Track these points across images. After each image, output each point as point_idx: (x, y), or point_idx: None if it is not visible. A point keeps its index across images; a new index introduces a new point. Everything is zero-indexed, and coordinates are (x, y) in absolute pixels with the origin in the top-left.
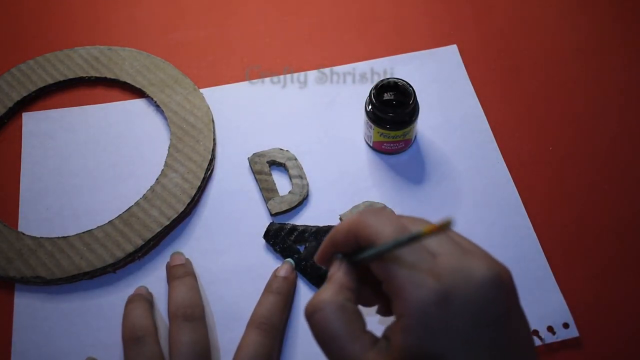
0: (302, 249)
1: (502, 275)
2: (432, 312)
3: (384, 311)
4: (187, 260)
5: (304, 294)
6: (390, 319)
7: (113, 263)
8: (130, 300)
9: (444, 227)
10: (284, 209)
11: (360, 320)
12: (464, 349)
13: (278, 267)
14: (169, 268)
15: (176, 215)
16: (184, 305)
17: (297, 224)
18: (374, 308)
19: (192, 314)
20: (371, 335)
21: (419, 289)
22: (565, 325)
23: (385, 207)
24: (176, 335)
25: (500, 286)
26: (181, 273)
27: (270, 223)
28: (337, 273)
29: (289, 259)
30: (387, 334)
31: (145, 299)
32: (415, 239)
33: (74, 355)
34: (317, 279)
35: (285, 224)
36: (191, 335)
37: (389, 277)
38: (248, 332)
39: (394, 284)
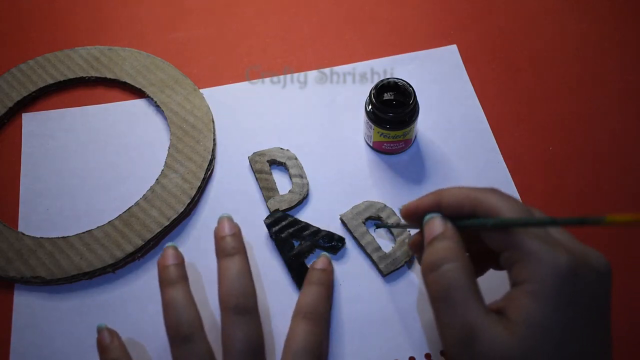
0: (297, 244)
1: (611, 273)
2: (564, 281)
3: None
4: (238, 230)
5: (285, 289)
6: None
7: (113, 263)
8: (168, 282)
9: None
10: (284, 207)
11: (477, 283)
12: (582, 321)
13: (314, 261)
14: (216, 240)
15: (176, 216)
16: (236, 294)
17: (300, 219)
18: None
19: (245, 305)
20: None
21: (554, 257)
22: None
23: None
24: (229, 330)
25: (610, 281)
26: (230, 249)
27: (275, 210)
28: (449, 232)
29: (325, 253)
30: (499, 306)
31: (182, 278)
32: (588, 223)
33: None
34: (299, 277)
35: (288, 215)
36: (245, 330)
37: (516, 244)
38: (295, 322)
39: (524, 250)
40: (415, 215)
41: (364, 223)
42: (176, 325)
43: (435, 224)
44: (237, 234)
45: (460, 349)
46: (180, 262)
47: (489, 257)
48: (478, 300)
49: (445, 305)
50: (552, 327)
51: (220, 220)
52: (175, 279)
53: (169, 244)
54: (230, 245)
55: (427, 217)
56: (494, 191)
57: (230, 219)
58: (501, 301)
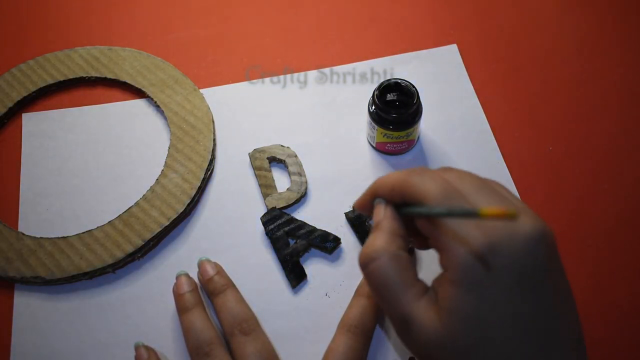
0: (292, 242)
1: (546, 233)
2: (478, 264)
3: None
4: (220, 267)
5: (279, 287)
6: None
7: (113, 263)
8: (185, 309)
9: (508, 217)
10: (281, 205)
11: (412, 268)
12: (508, 300)
13: None
14: (204, 282)
15: (176, 216)
16: (238, 321)
17: (296, 218)
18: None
19: (249, 328)
20: (422, 284)
21: (465, 243)
22: None
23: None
24: (241, 350)
25: (545, 243)
26: (220, 287)
27: (272, 208)
28: (385, 220)
29: None
30: (434, 285)
31: (198, 303)
32: (469, 215)
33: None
34: (293, 275)
35: (285, 213)
36: (254, 344)
37: (435, 233)
38: (339, 335)
39: (441, 239)
40: (365, 209)
41: (368, 222)
42: (197, 346)
43: (377, 212)
44: (220, 271)
45: (401, 335)
46: (194, 289)
47: None
48: (408, 290)
49: (380, 299)
50: (469, 313)
51: (200, 265)
52: (191, 305)
53: (181, 271)
54: (219, 283)
55: (375, 201)
56: (417, 173)
57: (208, 261)
58: (436, 282)
